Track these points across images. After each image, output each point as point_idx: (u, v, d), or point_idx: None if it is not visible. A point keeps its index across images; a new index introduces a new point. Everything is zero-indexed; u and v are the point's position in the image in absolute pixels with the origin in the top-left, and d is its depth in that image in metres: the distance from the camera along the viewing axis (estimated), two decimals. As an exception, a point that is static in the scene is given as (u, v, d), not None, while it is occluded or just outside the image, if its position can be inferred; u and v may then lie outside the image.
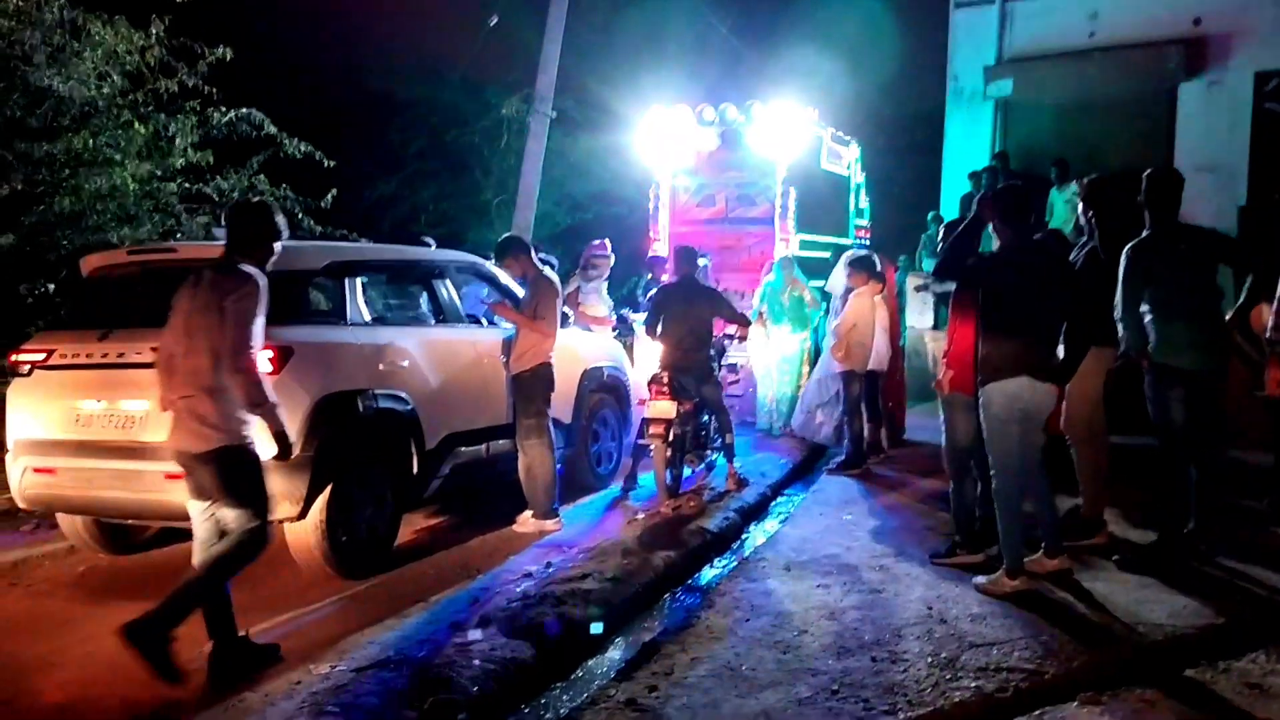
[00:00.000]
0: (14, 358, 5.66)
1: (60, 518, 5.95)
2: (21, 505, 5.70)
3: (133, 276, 5.84)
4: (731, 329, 7.97)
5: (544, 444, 6.46)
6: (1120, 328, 5.41)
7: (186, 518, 5.16)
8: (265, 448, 4.92)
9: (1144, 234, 5.37)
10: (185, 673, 4.11)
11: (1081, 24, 12.14)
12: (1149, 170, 5.44)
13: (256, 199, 4.70)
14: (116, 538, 6.06)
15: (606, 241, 10.24)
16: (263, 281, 4.16)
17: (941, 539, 6.02)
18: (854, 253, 9.28)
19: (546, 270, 6.84)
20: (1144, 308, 5.31)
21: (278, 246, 4.38)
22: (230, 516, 4.21)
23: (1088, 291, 5.24)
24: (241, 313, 4.06)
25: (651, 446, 7.09)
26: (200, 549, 4.35)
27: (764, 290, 10.21)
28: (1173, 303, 5.27)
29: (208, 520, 4.32)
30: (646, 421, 7.15)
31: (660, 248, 12.27)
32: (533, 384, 6.46)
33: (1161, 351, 5.31)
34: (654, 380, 7.15)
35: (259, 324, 4.12)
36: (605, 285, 9.66)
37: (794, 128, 12.01)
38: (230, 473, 4.14)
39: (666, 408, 6.99)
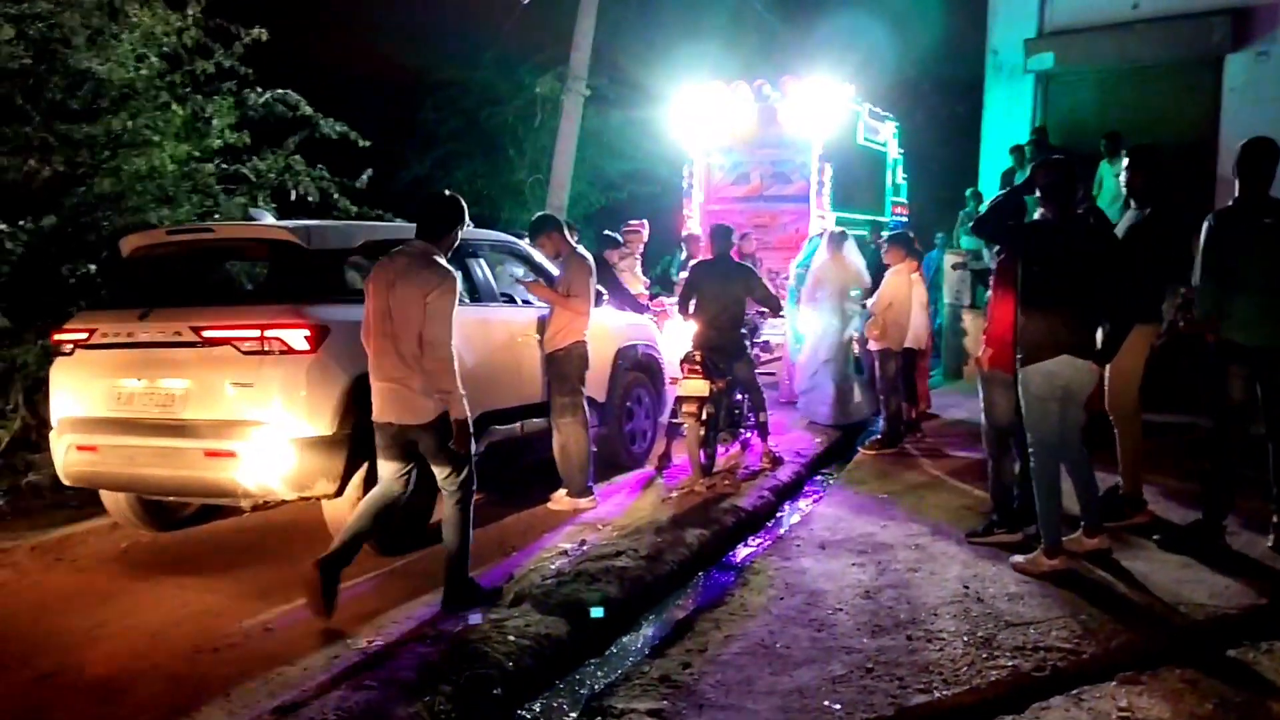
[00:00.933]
0: (56, 337, 5.73)
1: (104, 494, 6.03)
2: (65, 482, 5.79)
3: (172, 256, 5.92)
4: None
5: (579, 422, 6.47)
6: (1173, 299, 5.36)
7: (225, 494, 5.29)
8: (303, 425, 5.00)
9: (1230, 204, 5.28)
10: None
11: (1126, -6, 11.91)
12: (1245, 140, 5.28)
13: (448, 192, 5.02)
14: (158, 514, 6.15)
15: (645, 222, 10.24)
16: (457, 274, 4.73)
17: (978, 518, 5.98)
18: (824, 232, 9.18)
19: (580, 248, 6.83)
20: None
21: (461, 232, 4.92)
22: (445, 472, 4.75)
23: (1132, 268, 5.14)
24: (442, 309, 4.58)
25: (685, 425, 7.08)
26: (379, 498, 4.83)
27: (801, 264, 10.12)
28: (1246, 276, 5.15)
29: (400, 479, 4.82)
30: (679, 400, 7.15)
31: (694, 226, 12.24)
32: (567, 362, 6.47)
33: (1228, 326, 5.22)
34: (686, 359, 7.13)
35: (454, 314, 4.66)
36: (639, 263, 9.63)
37: (829, 104, 11.92)
38: (444, 436, 4.65)
39: (699, 386, 6.97)
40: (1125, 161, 5.74)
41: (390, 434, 4.71)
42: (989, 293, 5.75)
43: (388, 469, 4.78)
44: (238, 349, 5.08)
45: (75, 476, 5.70)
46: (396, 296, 4.57)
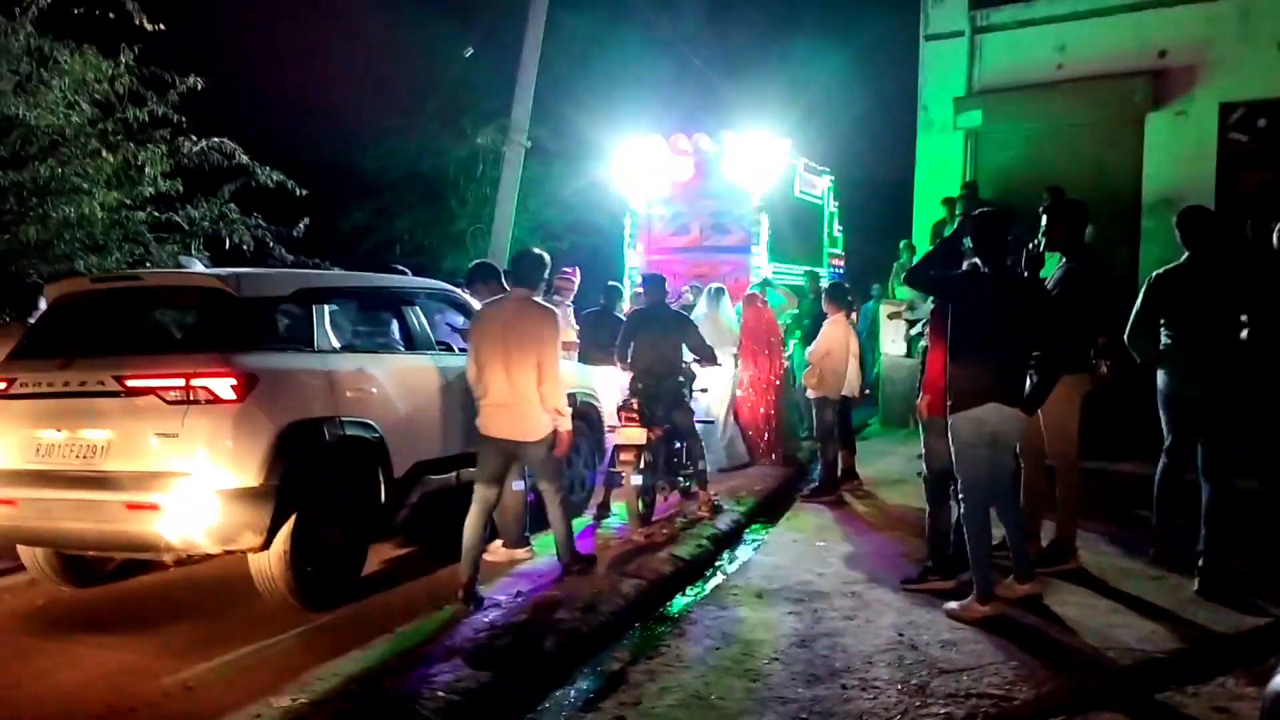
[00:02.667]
0: (-26, 388, 5.56)
1: (21, 550, 5.82)
2: (-19, 537, 5.58)
3: (96, 304, 5.78)
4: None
5: (515, 472, 6.41)
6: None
7: (148, 548, 5.14)
8: (229, 476, 4.89)
9: (1174, 265, 5.70)
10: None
11: (1049, 56, 12.30)
12: (1182, 209, 5.89)
13: (537, 250, 6.00)
14: (78, 570, 5.93)
15: (577, 269, 10.27)
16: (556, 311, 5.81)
17: (914, 564, 6.01)
18: (827, 282, 9.40)
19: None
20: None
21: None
22: (549, 477, 5.85)
23: (1059, 317, 5.26)
24: (553, 339, 5.63)
25: (623, 474, 7.03)
26: (482, 509, 5.74)
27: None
28: (1185, 333, 5.59)
29: (496, 486, 5.77)
30: (618, 449, 7.11)
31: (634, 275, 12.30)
32: None
33: (1171, 379, 5.67)
34: (624, 407, 7.11)
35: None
36: (571, 310, 9.64)
37: (767, 157, 12.13)
38: (551, 451, 5.73)
39: (637, 434, 6.95)
40: (1044, 217, 5.89)
41: (499, 448, 5.68)
42: (924, 341, 5.85)
43: (486, 477, 5.70)
44: (162, 398, 4.96)
45: (-9, 532, 5.49)
46: (513, 334, 5.55)
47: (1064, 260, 5.86)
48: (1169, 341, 5.69)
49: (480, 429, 5.75)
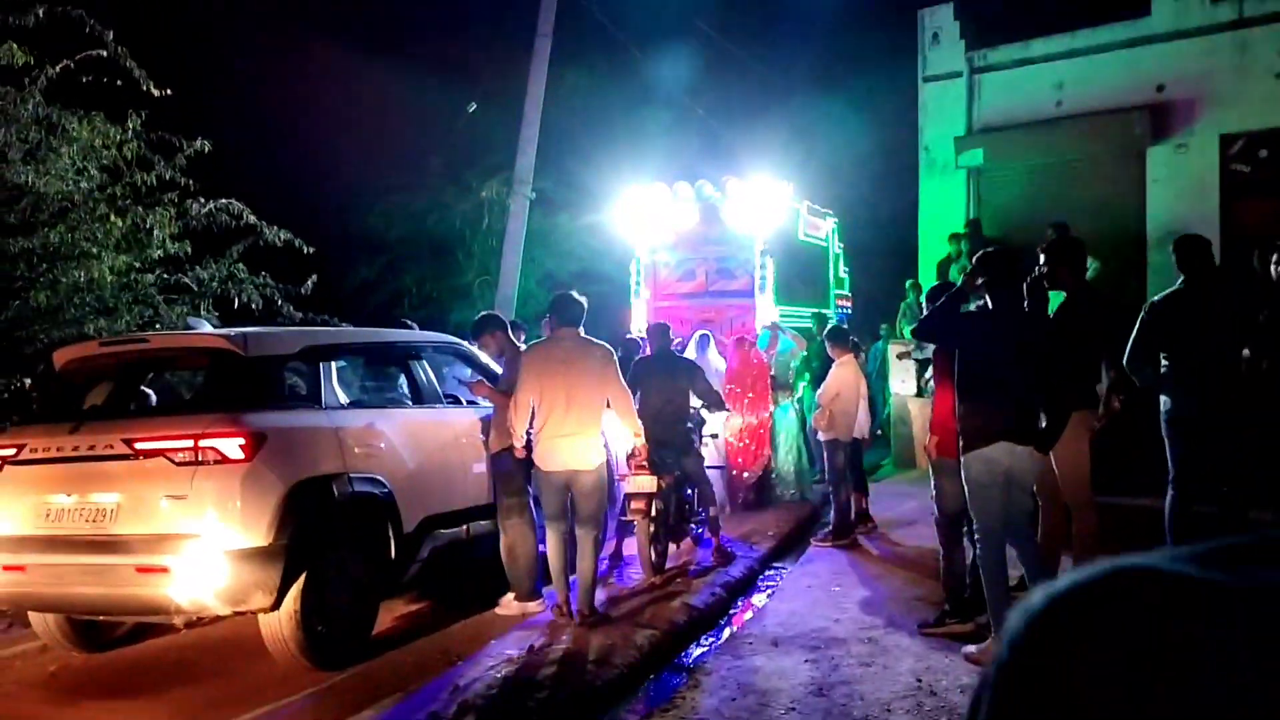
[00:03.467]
0: (-15, 454, 5.58)
1: (32, 616, 5.81)
2: (-8, 604, 5.58)
3: (105, 368, 5.83)
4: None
5: (525, 523, 6.37)
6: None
7: (158, 611, 5.12)
8: (238, 536, 4.89)
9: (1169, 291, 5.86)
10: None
11: (1048, 93, 12.40)
12: (1177, 237, 6.05)
13: (574, 292, 6.39)
14: (89, 634, 5.92)
15: None
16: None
17: (931, 608, 5.93)
18: (830, 325, 9.41)
19: (523, 347, 6.83)
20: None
21: None
22: (591, 508, 6.08)
23: (1067, 354, 5.24)
24: (616, 368, 6.15)
25: (634, 522, 6.99)
26: (560, 536, 6.18)
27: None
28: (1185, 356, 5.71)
29: (566, 514, 6.16)
30: (628, 497, 7.02)
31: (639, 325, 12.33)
32: (512, 462, 6.40)
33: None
34: (634, 455, 7.08)
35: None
36: None
37: (771, 201, 12.18)
38: (601, 479, 6.11)
39: (648, 482, 6.86)
40: (1043, 256, 5.88)
41: (561, 480, 6.02)
42: (932, 381, 5.84)
43: (554, 514, 6.10)
44: (171, 460, 4.97)
45: (3, 599, 5.49)
46: (574, 370, 5.97)
47: (1066, 297, 5.85)
48: (1168, 367, 5.80)
49: (539, 464, 6.04)
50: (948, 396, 5.39)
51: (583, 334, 6.20)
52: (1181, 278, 5.83)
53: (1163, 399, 5.88)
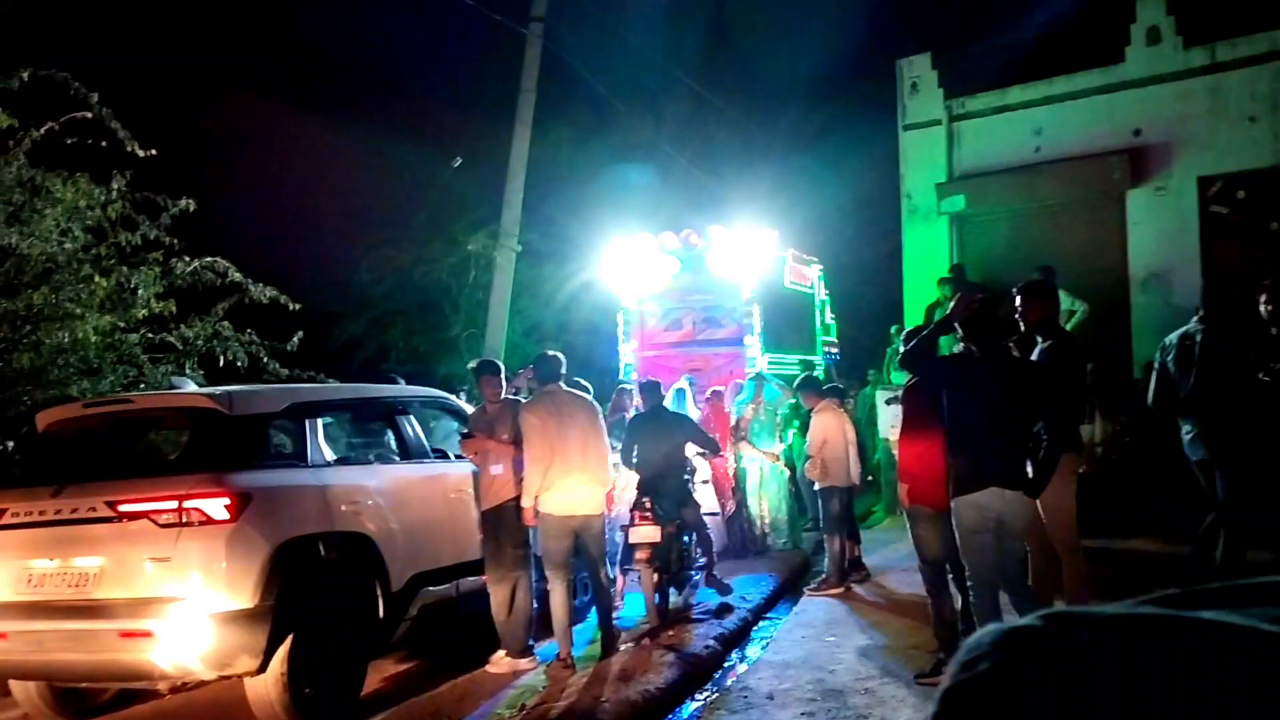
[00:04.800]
0: (-35, 520, 5.49)
1: (13, 684, 5.68)
2: (-29, 674, 5.45)
3: (88, 429, 5.77)
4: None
5: (526, 576, 6.29)
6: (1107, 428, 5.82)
7: (142, 677, 5.02)
8: (223, 598, 4.81)
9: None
10: None
11: (1027, 139, 12.56)
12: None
13: (551, 350, 6.81)
14: (72, 702, 5.79)
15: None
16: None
17: (927, 657, 5.86)
18: (800, 377, 9.48)
19: (510, 395, 6.80)
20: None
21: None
22: (602, 552, 6.48)
23: (1053, 398, 5.24)
24: (600, 424, 6.49)
25: (639, 572, 7.15)
26: (568, 585, 6.40)
27: (735, 408, 10.27)
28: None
29: (572, 560, 6.43)
30: (632, 547, 7.17)
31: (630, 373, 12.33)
32: (509, 517, 6.33)
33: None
34: (637, 506, 7.19)
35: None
36: None
37: (756, 249, 12.24)
38: (605, 525, 6.54)
39: (651, 532, 7.04)
40: (1018, 300, 5.89)
41: (572, 525, 6.25)
42: (901, 429, 5.85)
43: (558, 561, 6.28)
44: (154, 522, 4.91)
45: (-18, 667, 5.37)
46: (574, 421, 6.25)
47: (1041, 341, 5.87)
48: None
49: (551, 512, 6.21)
50: (915, 442, 5.43)
51: (564, 386, 6.52)
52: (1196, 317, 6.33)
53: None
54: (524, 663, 6.27)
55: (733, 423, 10.09)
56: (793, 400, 11.30)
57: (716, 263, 12.36)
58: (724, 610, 7.51)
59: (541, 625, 6.83)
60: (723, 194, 18.65)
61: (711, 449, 8.28)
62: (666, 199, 18.85)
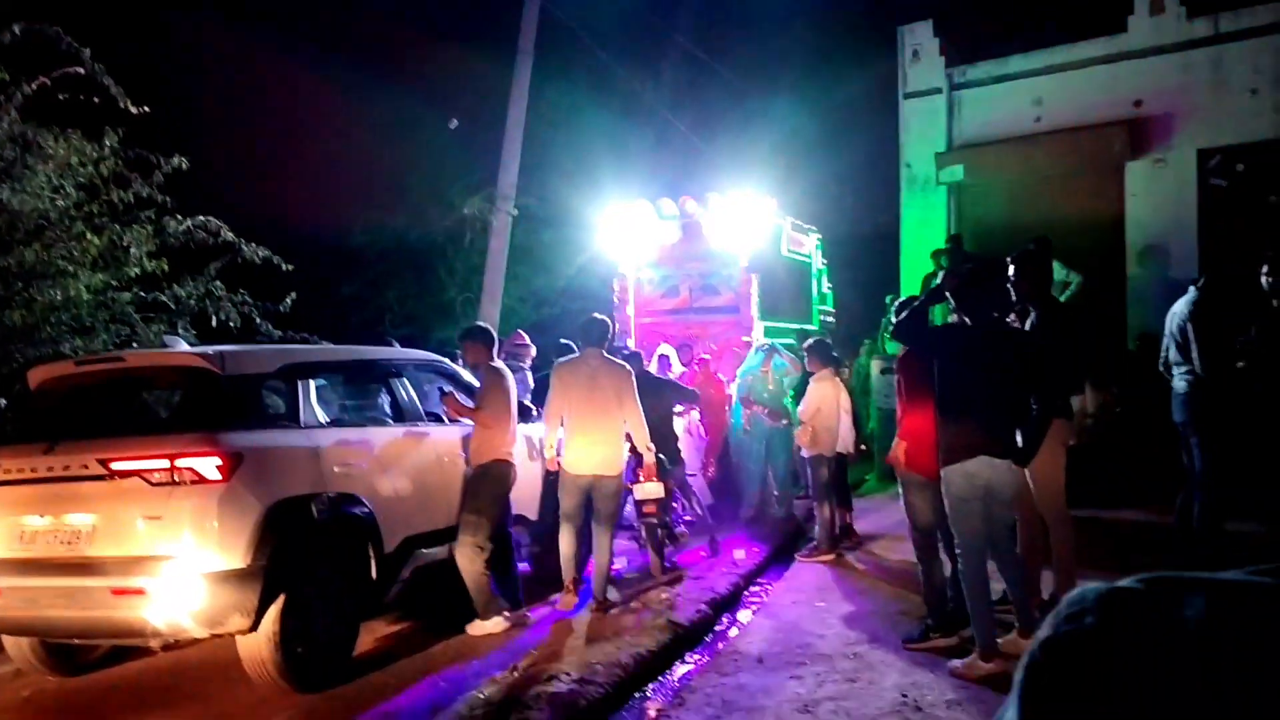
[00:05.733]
0: (-43, 477, 5.48)
1: (6, 639, 5.71)
2: (-36, 629, 5.47)
3: (81, 387, 5.75)
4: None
5: (476, 544, 6.25)
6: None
7: (134, 634, 5.03)
8: (215, 558, 4.82)
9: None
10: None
11: (1027, 110, 12.49)
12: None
13: (598, 315, 7.01)
14: (64, 658, 5.82)
15: (522, 332, 10.38)
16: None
17: (915, 622, 5.91)
18: (809, 339, 9.45)
19: (496, 362, 6.78)
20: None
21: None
22: (611, 509, 6.72)
23: (1044, 368, 5.25)
24: (634, 387, 6.79)
25: (646, 526, 7.50)
26: (574, 532, 6.76)
27: (742, 375, 10.31)
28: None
29: (582, 514, 6.74)
30: (640, 503, 7.40)
31: (665, 347, 12.30)
32: (479, 481, 6.35)
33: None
34: (642, 464, 7.27)
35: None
36: (530, 375, 9.64)
37: (753, 217, 12.18)
38: (618, 488, 6.76)
39: (655, 489, 7.27)
40: (1011, 269, 5.90)
41: (584, 483, 6.62)
42: (897, 396, 5.87)
43: (570, 512, 6.67)
44: (147, 480, 4.90)
45: (-25, 622, 5.38)
46: (600, 385, 6.63)
47: (1033, 311, 5.88)
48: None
49: (565, 468, 6.64)
50: (910, 411, 5.45)
51: (605, 354, 6.85)
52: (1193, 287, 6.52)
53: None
54: (490, 625, 6.24)
55: (741, 393, 10.15)
56: (799, 375, 11.30)
57: (714, 230, 12.31)
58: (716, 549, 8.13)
59: (538, 585, 6.89)
60: (721, 161, 18.56)
61: (690, 398, 8.74)
62: (665, 165, 18.77)
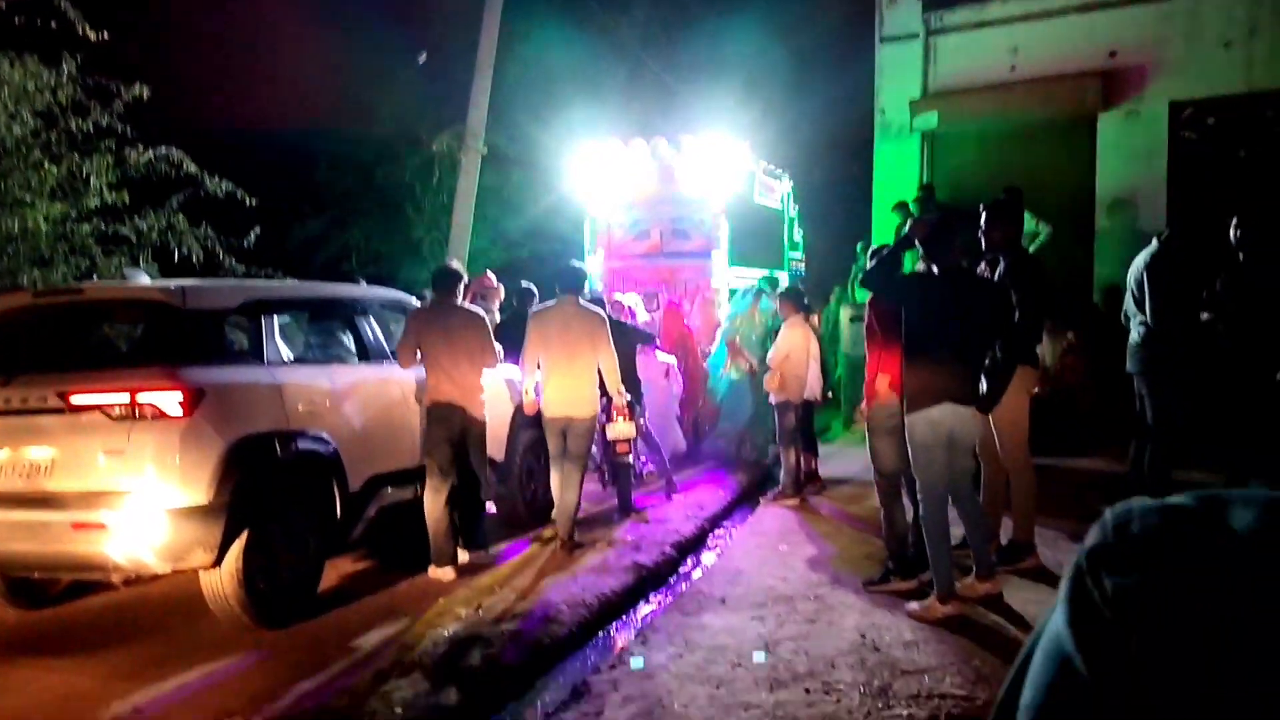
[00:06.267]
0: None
1: (-36, 574, 5.66)
2: (-78, 563, 5.40)
3: (39, 319, 5.64)
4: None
5: (431, 485, 6.26)
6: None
7: (95, 569, 5.01)
8: (177, 493, 4.78)
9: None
10: None
11: (1003, 57, 12.40)
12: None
13: (575, 262, 7.38)
14: (24, 592, 5.79)
15: (490, 274, 10.34)
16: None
17: (876, 566, 5.99)
18: (762, 285, 9.48)
19: (466, 304, 6.75)
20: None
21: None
22: (582, 447, 6.88)
23: (1011, 317, 5.28)
24: (608, 334, 6.90)
25: (611, 469, 7.87)
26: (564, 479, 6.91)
27: (730, 318, 10.33)
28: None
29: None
30: (613, 443, 7.55)
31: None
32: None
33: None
34: (615, 404, 7.38)
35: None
36: (499, 317, 9.60)
37: (726, 161, 12.10)
38: (590, 428, 6.91)
39: (627, 429, 7.45)
40: (983, 216, 5.92)
41: (559, 425, 6.81)
42: (866, 343, 5.90)
43: (556, 451, 6.89)
44: (107, 415, 4.84)
45: (-68, 556, 5.32)
46: (573, 332, 6.74)
47: (1002, 260, 5.90)
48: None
49: (545, 412, 6.86)
50: (878, 359, 5.48)
51: (581, 301, 6.94)
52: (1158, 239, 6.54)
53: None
54: (445, 571, 6.23)
55: (728, 336, 10.18)
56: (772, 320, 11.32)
57: (686, 174, 12.22)
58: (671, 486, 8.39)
59: (503, 527, 6.92)
60: (694, 103, 18.37)
61: (647, 340, 8.84)
62: (637, 105, 18.55)
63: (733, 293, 11.55)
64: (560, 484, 6.90)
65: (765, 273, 12.45)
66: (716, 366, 10.55)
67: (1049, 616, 0.63)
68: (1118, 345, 7.07)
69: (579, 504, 6.95)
